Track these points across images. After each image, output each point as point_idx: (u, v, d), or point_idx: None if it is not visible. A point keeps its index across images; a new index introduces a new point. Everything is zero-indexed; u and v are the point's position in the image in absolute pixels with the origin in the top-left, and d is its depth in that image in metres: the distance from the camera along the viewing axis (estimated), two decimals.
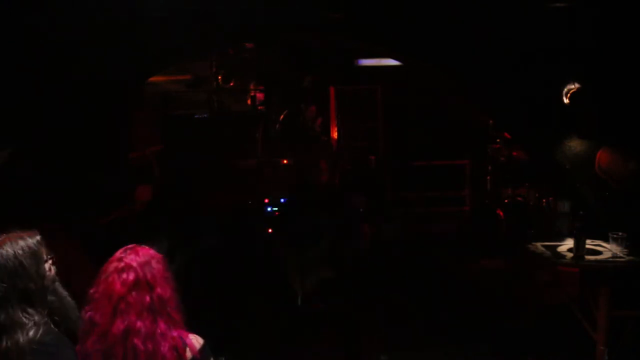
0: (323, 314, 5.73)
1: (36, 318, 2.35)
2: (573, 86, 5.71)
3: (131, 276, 2.39)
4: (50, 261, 2.46)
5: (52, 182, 5.84)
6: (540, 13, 5.44)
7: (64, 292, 2.48)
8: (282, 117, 10.60)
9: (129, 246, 2.52)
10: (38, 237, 2.45)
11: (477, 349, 5.87)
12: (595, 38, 5.43)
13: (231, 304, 7.15)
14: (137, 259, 2.43)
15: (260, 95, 11.03)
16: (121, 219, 7.27)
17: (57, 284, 2.48)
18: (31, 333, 2.30)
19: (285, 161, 9.21)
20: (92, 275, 2.47)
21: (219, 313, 6.30)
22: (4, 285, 2.32)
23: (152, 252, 2.50)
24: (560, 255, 5.11)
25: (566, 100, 5.77)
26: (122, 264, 2.42)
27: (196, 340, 2.46)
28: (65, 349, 2.36)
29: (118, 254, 2.48)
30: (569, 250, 5.12)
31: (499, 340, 5.92)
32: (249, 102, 11.02)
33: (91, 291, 2.42)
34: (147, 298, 2.38)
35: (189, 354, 2.41)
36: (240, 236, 7.88)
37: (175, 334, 2.40)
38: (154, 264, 2.45)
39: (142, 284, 2.39)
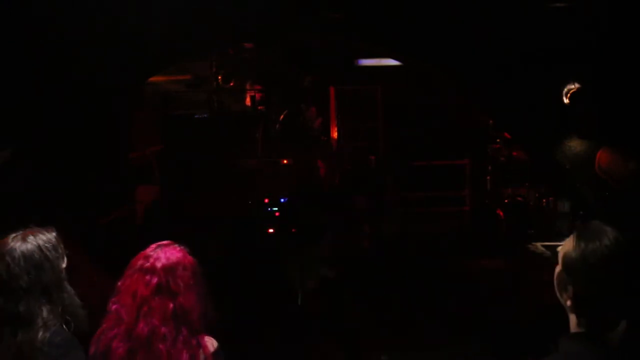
0: (323, 314, 5.73)
1: (50, 315, 2.34)
2: (573, 86, 5.71)
3: (154, 280, 2.36)
4: (65, 258, 2.47)
5: (52, 182, 5.84)
6: (540, 13, 5.44)
7: (72, 290, 2.48)
8: (282, 117, 10.60)
9: (164, 242, 2.48)
10: (55, 233, 2.46)
11: (477, 349, 5.87)
12: (595, 38, 5.43)
13: (232, 303, 7.16)
14: (163, 262, 2.39)
15: (257, 95, 11.01)
16: (121, 219, 7.27)
17: (66, 282, 2.48)
18: (43, 332, 2.30)
19: (285, 161, 9.20)
20: (92, 275, 2.47)
21: (219, 313, 6.30)
22: (30, 277, 2.32)
23: (181, 255, 2.44)
24: None
25: (566, 100, 5.77)
26: (148, 264, 2.39)
27: (211, 343, 2.44)
28: (74, 349, 2.35)
29: (149, 249, 2.45)
30: None
31: (499, 340, 5.92)
32: (246, 102, 11.01)
33: (119, 283, 2.42)
34: (171, 305, 2.35)
35: (202, 356, 2.40)
36: (241, 236, 7.90)
37: (194, 341, 2.39)
38: (179, 271, 2.40)
39: (164, 291, 2.36)
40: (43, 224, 2.50)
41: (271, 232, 7.54)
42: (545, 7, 5.35)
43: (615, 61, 5.52)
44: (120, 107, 7.13)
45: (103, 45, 5.72)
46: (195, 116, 10.30)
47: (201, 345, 2.41)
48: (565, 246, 1.80)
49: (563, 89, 5.77)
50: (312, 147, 9.56)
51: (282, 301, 6.17)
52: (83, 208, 6.40)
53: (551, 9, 5.34)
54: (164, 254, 2.42)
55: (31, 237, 2.37)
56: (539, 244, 5.33)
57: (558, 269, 1.84)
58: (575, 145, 6.01)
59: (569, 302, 1.80)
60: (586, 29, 5.42)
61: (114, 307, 2.40)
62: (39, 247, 2.36)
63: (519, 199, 9.68)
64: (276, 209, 8.00)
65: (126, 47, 5.91)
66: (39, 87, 5.46)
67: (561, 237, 5.54)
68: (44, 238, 2.39)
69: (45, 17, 5.06)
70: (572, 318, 1.81)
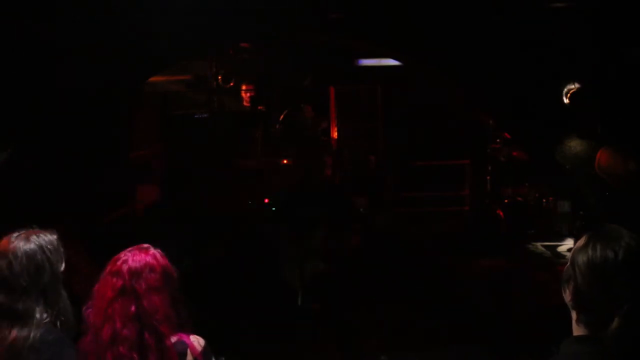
0: (322, 314, 5.73)
1: (44, 315, 2.35)
2: (573, 86, 5.72)
3: (119, 283, 2.36)
4: (64, 261, 2.47)
5: (53, 182, 5.84)
6: (541, 13, 5.45)
7: (65, 294, 2.49)
8: (282, 117, 10.60)
9: (141, 245, 2.47)
10: (56, 236, 2.47)
11: (476, 349, 5.87)
12: (595, 38, 5.44)
13: (231, 304, 7.16)
14: (129, 265, 2.38)
15: (256, 95, 11.00)
16: (121, 219, 7.28)
17: (62, 285, 2.49)
18: (37, 331, 2.31)
19: (285, 161, 9.20)
20: (92, 275, 2.47)
21: (218, 313, 6.30)
22: (30, 276, 2.33)
23: (150, 258, 2.42)
24: (560, 255, 5.12)
25: (566, 100, 5.77)
26: (115, 268, 2.39)
27: (197, 342, 2.42)
28: (67, 348, 2.37)
29: (122, 253, 2.44)
30: (569, 250, 5.13)
31: (498, 340, 5.92)
32: (244, 103, 11.00)
33: (95, 287, 2.42)
34: (133, 308, 2.34)
35: (190, 356, 2.38)
36: (241, 237, 7.90)
37: (168, 343, 2.35)
38: (146, 273, 2.38)
39: (128, 293, 2.35)
40: (45, 225, 2.51)
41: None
42: (546, 7, 5.35)
43: (616, 61, 5.52)
44: (121, 107, 7.14)
45: (104, 45, 5.72)
46: (195, 116, 10.29)
47: (186, 344, 2.38)
48: (577, 244, 1.84)
49: (563, 89, 5.78)
50: (311, 147, 9.56)
51: (282, 301, 6.18)
52: (83, 208, 6.41)
53: (551, 9, 5.35)
54: (133, 256, 2.41)
55: (34, 237, 2.39)
56: (539, 244, 5.33)
57: (567, 265, 1.88)
58: (575, 145, 6.01)
59: (569, 298, 1.84)
60: (586, 28, 5.43)
61: (87, 311, 2.41)
62: (41, 247, 2.37)
63: (519, 199, 9.69)
64: (274, 208, 8.00)
65: (127, 47, 5.92)
66: (40, 87, 5.47)
67: (561, 237, 5.56)
68: (46, 239, 2.41)
69: (46, 18, 5.06)
70: (573, 315, 1.87)
